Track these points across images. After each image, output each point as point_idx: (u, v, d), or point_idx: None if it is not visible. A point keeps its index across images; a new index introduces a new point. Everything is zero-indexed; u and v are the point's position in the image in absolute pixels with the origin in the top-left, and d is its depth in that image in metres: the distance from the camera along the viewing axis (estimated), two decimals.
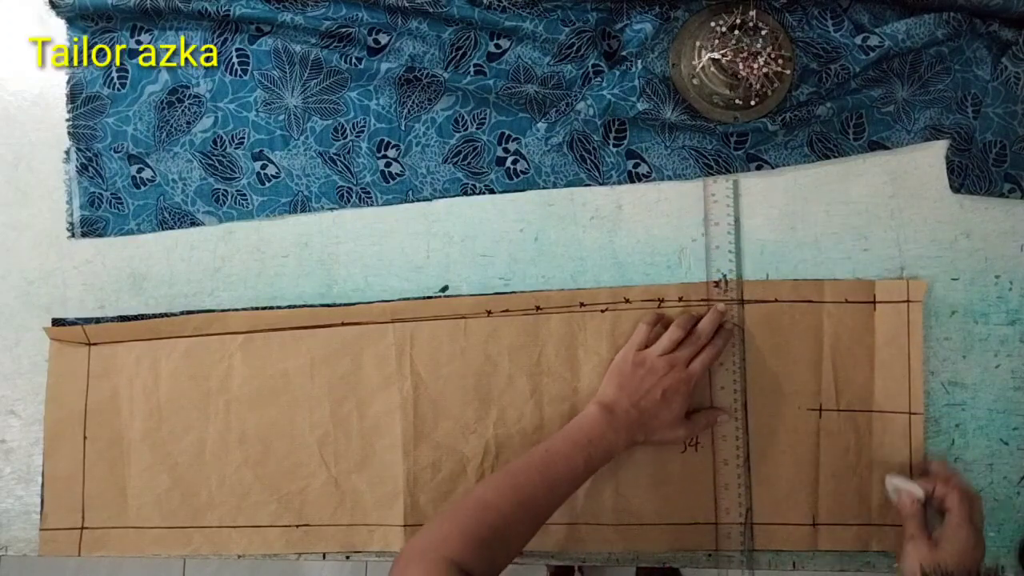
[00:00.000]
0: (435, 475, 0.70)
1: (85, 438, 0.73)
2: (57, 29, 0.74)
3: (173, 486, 0.72)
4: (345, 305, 0.71)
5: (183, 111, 0.73)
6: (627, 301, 0.69)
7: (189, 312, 0.73)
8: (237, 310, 0.72)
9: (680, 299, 0.68)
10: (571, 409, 0.69)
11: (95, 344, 0.73)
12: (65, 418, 0.73)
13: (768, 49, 0.65)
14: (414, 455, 0.70)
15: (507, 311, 0.70)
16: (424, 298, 0.71)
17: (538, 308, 0.70)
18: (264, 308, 0.72)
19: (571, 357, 0.69)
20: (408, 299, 0.71)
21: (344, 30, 0.70)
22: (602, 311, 0.69)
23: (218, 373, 0.72)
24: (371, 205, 0.72)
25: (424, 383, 0.70)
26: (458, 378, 0.70)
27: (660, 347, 0.66)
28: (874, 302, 0.67)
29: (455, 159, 0.72)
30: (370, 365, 0.71)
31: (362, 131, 0.72)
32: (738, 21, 0.66)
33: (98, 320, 0.74)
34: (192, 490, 0.72)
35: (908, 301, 0.67)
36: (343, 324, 0.71)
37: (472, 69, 0.71)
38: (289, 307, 0.72)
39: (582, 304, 0.69)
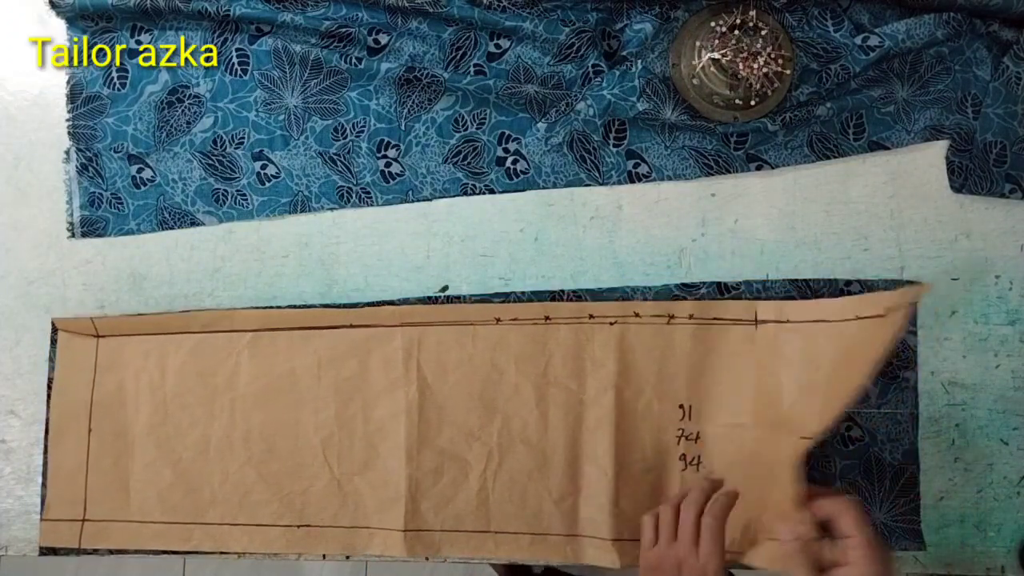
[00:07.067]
0: (437, 481, 0.70)
1: (90, 430, 0.73)
2: (57, 29, 0.74)
3: (176, 482, 0.72)
4: (354, 306, 0.71)
5: (183, 111, 0.73)
6: (637, 315, 0.68)
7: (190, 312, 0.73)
8: (245, 308, 0.72)
9: (691, 316, 0.67)
10: (576, 420, 0.68)
11: (103, 337, 0.73)
12: (70, 410, 0.73)
13: (768, 49, 0.65)
14: (417, 460, 0.70)
15: (516, 319, 0.69)
16: (431, 301, 0.71)
17: (547, 318, 0.69)
18: (269, 308, 0.72)
19: (578, 368, 0.69)
20: (412, 300, 0.71)
21: (344, 30, 0.70)
22: (611, 324, 0.68)
23: (225, 371, 0.72)
24: (371, 205, 0.72)
25: (430, 388, 0.70)
26: (464, 384, 0.69)
27: (664, 537, 0.60)
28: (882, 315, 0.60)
29: (455, 159, 0.72)
30: (377, 368, 0.71)
31: (362, 131, 0.72)
32: (738, 21, 0.66)
33: None
34: (195, 486, 0.72)
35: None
36: (351, 326, 0.71)
37: (472, 69, 0.71)
38: (290, 307, 0.72)
39: (591, 316, 0.69)
